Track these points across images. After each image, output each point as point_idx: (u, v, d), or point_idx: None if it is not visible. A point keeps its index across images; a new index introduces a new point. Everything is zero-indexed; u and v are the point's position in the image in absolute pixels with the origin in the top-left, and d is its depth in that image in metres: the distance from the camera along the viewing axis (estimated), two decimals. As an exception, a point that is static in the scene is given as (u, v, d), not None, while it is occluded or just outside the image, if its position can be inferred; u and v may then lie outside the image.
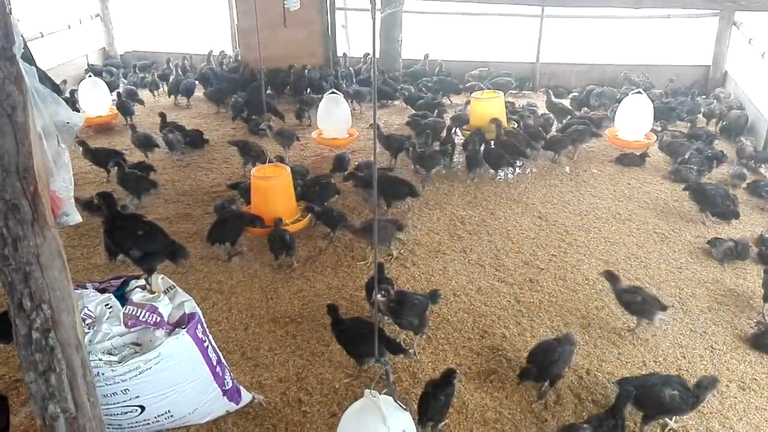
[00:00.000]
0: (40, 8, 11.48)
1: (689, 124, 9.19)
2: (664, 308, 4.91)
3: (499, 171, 7.81)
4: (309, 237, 6.35)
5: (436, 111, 9.31)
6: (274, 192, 6.41)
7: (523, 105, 9.91)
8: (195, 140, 8.56)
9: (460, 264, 5.92)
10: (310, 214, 6.39)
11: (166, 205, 7.06)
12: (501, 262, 5.94)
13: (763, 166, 7.90)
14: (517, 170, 7.95)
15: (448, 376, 3.97)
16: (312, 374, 4.49)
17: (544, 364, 4.23)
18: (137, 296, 3.91)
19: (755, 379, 4.46)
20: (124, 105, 9.55)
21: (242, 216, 6.18)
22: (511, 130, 8.31)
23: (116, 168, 7.02)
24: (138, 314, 3.79)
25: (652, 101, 8.67)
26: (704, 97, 10.49)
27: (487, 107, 8.73)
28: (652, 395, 3.93)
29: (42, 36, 10.53)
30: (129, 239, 4.07)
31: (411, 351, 4.63)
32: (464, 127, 8.98)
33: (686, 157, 7.81)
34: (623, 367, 4.56)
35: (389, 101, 10.54)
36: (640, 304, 4.88)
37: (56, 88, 7.57)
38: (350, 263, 5.89)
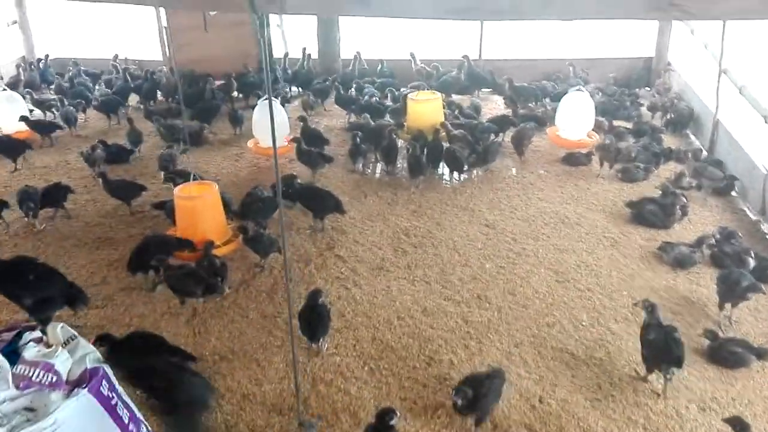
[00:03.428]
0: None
1: (635, 119, 8.98)
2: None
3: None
4: (243, 258, 5.90)
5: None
6: (201, 212, 5.93)
7: (468, 106, 9.52)
8: (119, 154, 7.95)
9: (405, 282, 5.57)
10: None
11: (86, 228, 6.49)
12: (447, 277, 5.60)
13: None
14: (463, 175, 7.60)
15: (384, 417, 3.62)
16: (242, 420, 4.07)
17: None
18: (30, 352, 3.43)
19: (715, 398, 4.23)
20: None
21: (168, 240, 5.69)
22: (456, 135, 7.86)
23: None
24: (31, 374, 3.32)
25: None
26: (648, 89, 10.39)
27: (424, 109, 8.37)
28: None
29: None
30: (19, 286, 3.55)
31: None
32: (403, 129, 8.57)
33: (633, 155, 7.61)
34: (578, 392, 4.28)
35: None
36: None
37: None
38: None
